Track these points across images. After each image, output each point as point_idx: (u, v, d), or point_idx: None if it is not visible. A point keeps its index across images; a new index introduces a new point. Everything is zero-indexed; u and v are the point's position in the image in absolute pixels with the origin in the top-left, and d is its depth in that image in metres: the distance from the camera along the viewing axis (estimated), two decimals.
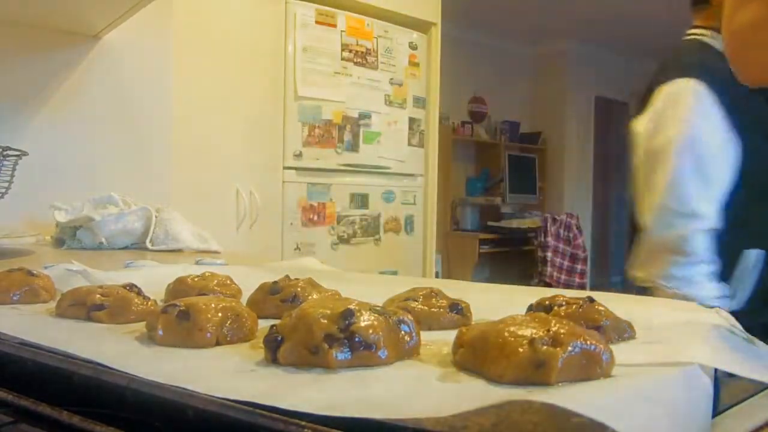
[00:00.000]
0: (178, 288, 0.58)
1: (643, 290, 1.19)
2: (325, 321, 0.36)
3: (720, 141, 1.11)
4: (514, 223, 4.99)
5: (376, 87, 2.72)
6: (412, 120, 2.87)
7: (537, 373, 0.31)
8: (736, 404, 0.33)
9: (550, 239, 4.79)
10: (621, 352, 0.34)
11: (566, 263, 4.88)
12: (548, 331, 0.33)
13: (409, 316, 0.40)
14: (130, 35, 1.86)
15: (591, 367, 0.32)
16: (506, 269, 5.13)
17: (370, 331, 0.36)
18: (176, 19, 2.04)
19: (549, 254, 4.78)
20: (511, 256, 5.06)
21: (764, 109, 1.13)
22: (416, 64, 2.88)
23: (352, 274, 0.84)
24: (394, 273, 2.77)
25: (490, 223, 5.03)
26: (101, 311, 0.49)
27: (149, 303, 0.51)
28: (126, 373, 0.32)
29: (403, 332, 0.38)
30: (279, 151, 2.45)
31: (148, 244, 1.32)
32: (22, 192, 1.33)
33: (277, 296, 0.53)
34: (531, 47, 5.80)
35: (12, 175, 1.27)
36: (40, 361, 0.36)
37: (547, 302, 0.46)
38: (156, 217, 1.37)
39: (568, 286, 4.74)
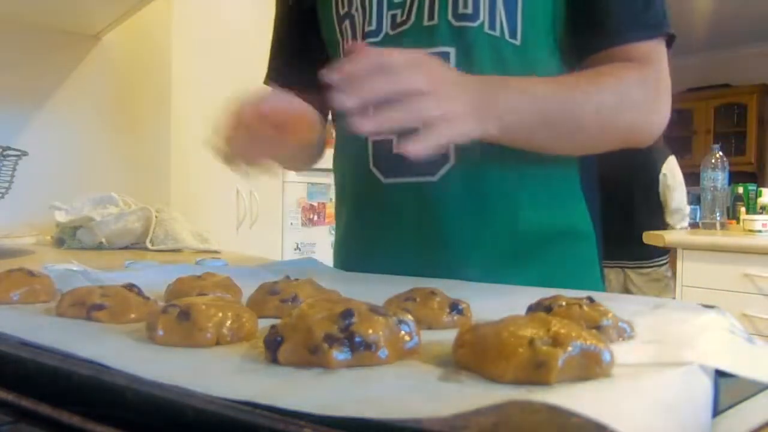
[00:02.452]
0: (178, 288, 0.58)
1: None
2: (325, 321, 0.36)
3: None
4: None
5: None
6: None
7: (537, 373, 0.31)
8: (736, 404, 0.33)
9: None
10: (621, 352, 0.34)
11: None
12: (548, 331, 0.33)
13: (409, 316, 0.40)
14: (130, 35, 1.87)
15: (591, 367, 0.32)
16: None
17: (370, 331, 0.36)
18: (176, 19, 2.05)
19: None
20: None
21: None
22: None
23: (352, 274, 0.84)
24: None
25: None
26: (101, 311, 0.49)
27: (149, 303, 0.51)
28: (126, 373, 0.32)
29: (403, 332, 0.38)
30: None
31: (148, 244, 1.32)
32: (22, 192, 1.33)
33: (277, 296, 0.53)
34: None
35: (12, 175, 1.27)
36: (40, 361, 0.36)
37: (547, 302, 0.46)
38: (156, 217, 1.37)
39: None
